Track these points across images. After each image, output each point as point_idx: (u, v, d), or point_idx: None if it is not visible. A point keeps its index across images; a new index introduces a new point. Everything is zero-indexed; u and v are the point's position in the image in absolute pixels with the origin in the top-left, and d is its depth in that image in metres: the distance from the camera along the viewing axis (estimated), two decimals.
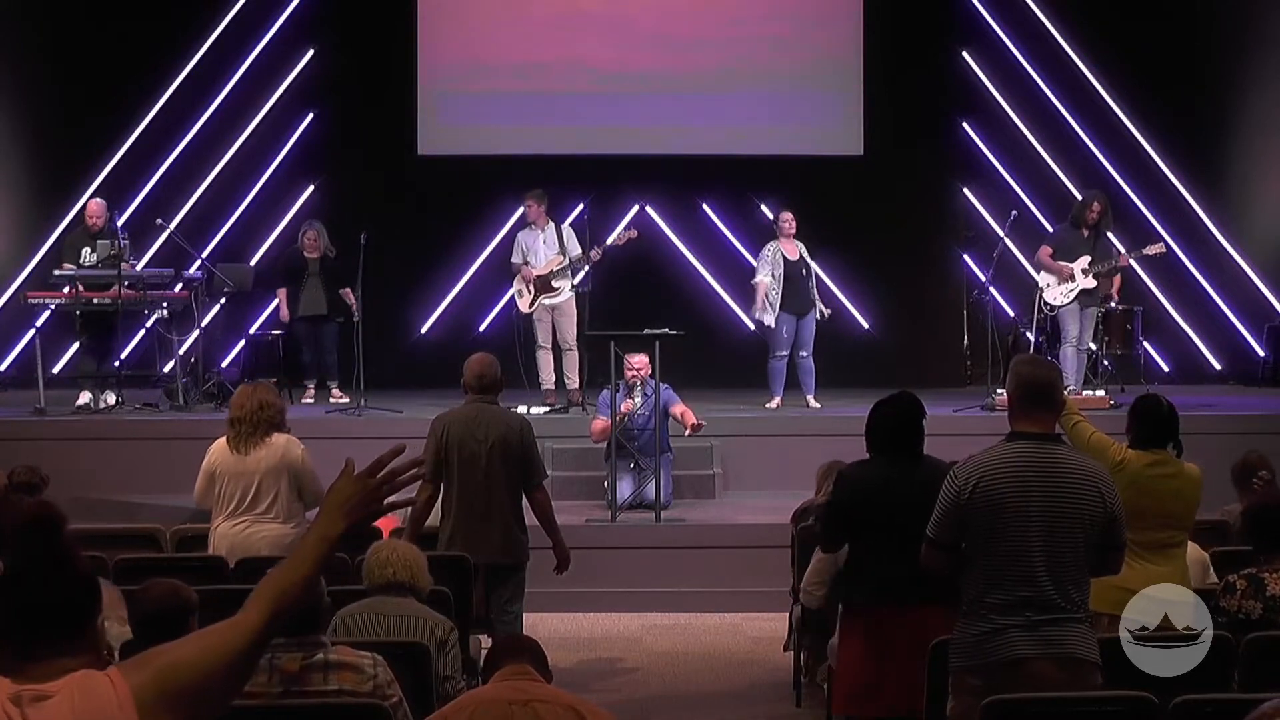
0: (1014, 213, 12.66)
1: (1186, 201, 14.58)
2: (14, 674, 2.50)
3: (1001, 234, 12.69)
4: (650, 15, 14.62)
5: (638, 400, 10.33)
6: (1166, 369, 14.34)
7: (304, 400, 12.63)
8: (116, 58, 14.19)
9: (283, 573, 2.68)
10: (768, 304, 12.07)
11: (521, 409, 10.10)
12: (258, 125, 14.59)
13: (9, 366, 14.20)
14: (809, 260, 12.38)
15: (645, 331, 10.19)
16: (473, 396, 7.24)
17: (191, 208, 14.31)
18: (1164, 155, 14.57)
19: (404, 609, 5.51)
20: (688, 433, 10.33)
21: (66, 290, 11.75)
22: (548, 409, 12.01)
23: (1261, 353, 14.40)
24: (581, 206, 13.15)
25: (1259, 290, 14.54)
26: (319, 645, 4.68)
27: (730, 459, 11.20)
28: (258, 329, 13.92)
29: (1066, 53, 14.63)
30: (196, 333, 12.41)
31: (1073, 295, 11.90)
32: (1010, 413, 4.92)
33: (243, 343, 13.69)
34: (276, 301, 13.04)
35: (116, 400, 12.00)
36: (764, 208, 13.86)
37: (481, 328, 14.32)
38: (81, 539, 6.94)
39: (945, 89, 14.63)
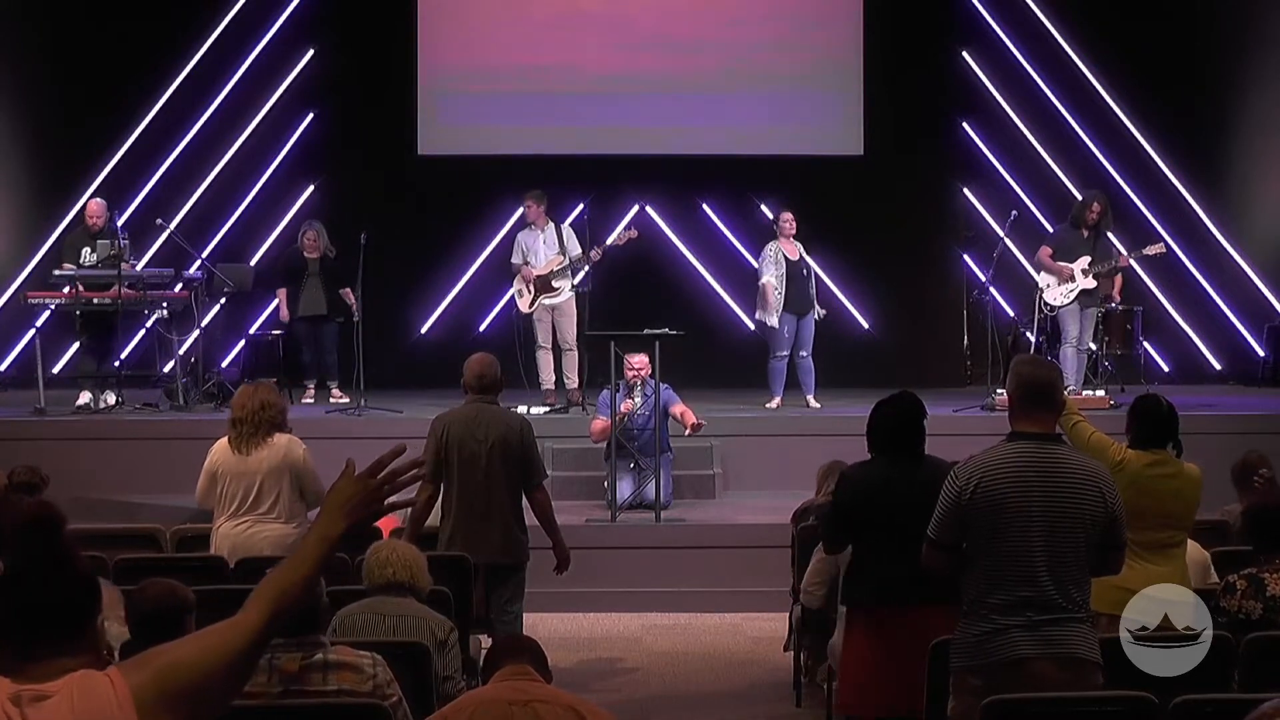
0: (1014, 213, 12.66)
1: (1186, 201, 14.58)
2: (14, 674, 2.50)
3: (1001, 234, 12.69)
4: (650, 15, 14.62)
5: (638, 400, 10.33)
6: (1166, 369, 14.33)
7: (304, 400, 12.63)
8: (116, 58, 14.19)
9: (283, 573, 2.68)
10: (773, 304, 12.08)
11: (521, 409, 10.10)
12: (258, 125, 14.59)
13: (9, 366, 14.19)
14: (809, 260, 12.40)
15: (645, 331, 10.19)
16: (473, 396, 7.23)
17: (191, 208, 14.31)
18: (1164, 155, 14.57)
19: (404, 609, 5.51)
20: (688, 432, 10.33)
21: (66, 290, 11.75)
22: (548, 409, 12.01)
23: (1261, 353, 14.40)
24: (581, 206, 13.15)
25: (1259, 290, 14.54)
26: (318, 645, 4.68)
27: (730, 459, 11.20)
28: (258, 329, 13.92)
29: (1066, 53, 14.62)
30: (196, 333, 12.41)
31: (1073, 295, 11.90)
32: (1010, 413, 4.92)
33: (243, 343, 13.69)
34: (276, 301, 13.04)
35: (116, 400, 12.00)
36: (764, 208, 13.86)
37: (481, 328, 14.32)
38: (81, 539, 6.94)
39: (945, 89, 14.63)
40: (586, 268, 12.27)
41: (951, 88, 14.64)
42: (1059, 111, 14.63)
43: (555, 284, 12.21)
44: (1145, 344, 13.53)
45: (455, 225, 14.40)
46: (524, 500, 7.24)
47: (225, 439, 7.16)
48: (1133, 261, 12.56)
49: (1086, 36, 14.55)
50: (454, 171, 14.44)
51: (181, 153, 14.48)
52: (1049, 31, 14.64)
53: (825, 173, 14.40)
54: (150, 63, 14.31)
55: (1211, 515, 7.24)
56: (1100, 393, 11.93)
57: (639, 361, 10.35)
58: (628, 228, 13.10)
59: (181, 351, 12.40)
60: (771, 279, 12.06)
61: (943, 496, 4.82)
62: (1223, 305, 14.59)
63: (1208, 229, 14.58)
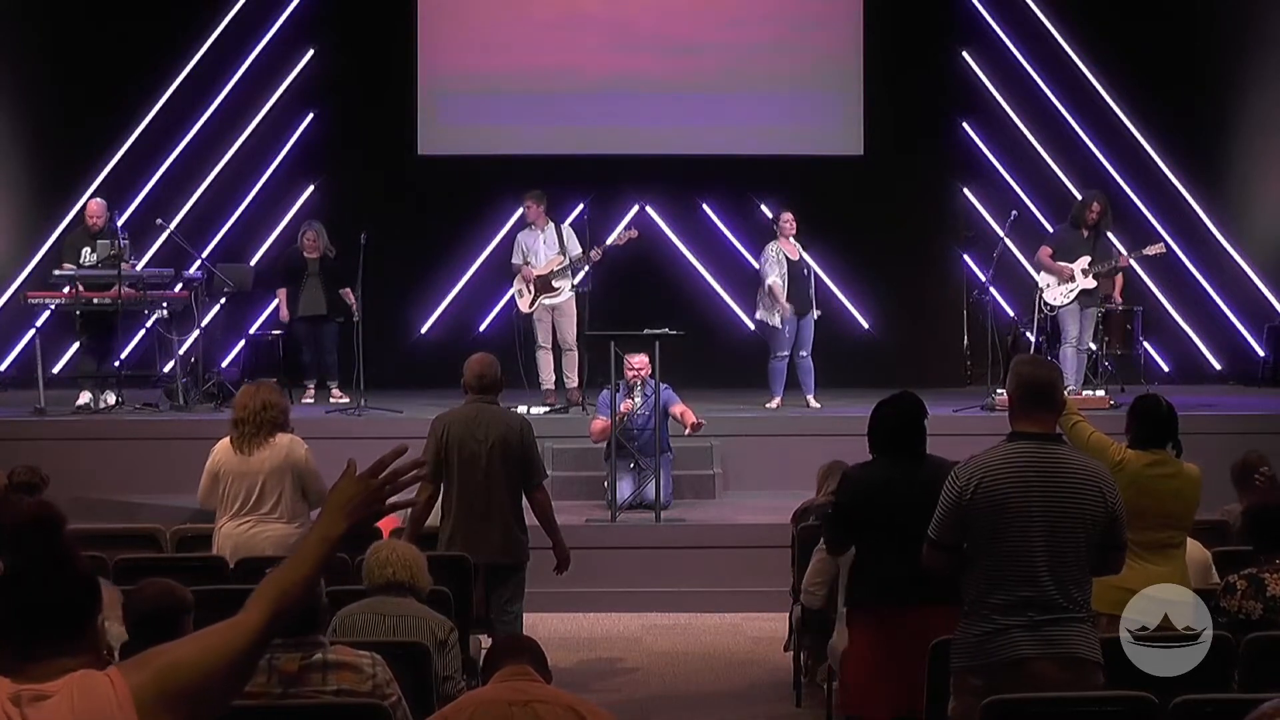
0: (1014, 213, 12.66)
1: (1186, 201, 14.58)
2: (14, 674, 2.50)
3: (1001, 234, 12.69)
4: (650, 15, 14.62)
5: (638, 400, 10.33)
6: (1166, 369, 14.33)
7: (304, 400, 12.63)
8: (116, 58, 14.19)
9: (284, 573, 2.68)
10: (776, 305, 12.07)
11: (521, 409, 10.10)
12: (258, 125, 14.58)
13: (9, 366, 14.19)
14: (809, 260, 12.41)
15: (645, 331, 10.19)
16: (473, 396, 7.23)
17: (191, 208, 14.31)
18: (1164, 155, 14.57)
19: (404, 609, 5.51)
20: (687, 431, 10.32)
21: (66, 290, 11.75)
22: (548, 409, 12.01)
23: (1261, 353, 14.40)
24: (581, 206, 13.15)
25: (1259, 290, 14.54)
26: (318, 645, 4.68)
27: (730, 459, 11.20)
28: (258, 329, 13.92)
29: (1066, 53, 14.62)
30: (196, 333, 12.41)
31: (1073, 295, 11.90)
32: (1011, 413, 4.92)
33: (243, 343, 13.69)
34: (276, 301, 13.04)
35: (116, 400, 12.00)
36: (764, 208, 13.86)
37: (481, 328, 14.32)
38: (81, 539, 6.94)
39: (945, 89, 14.63)
40: (586, 268, 12.27)
41: (951, 88, 14.64)
42: (1059, 111, 14.63)
43: (555, 284, 12.21)
44: (1145, 344, 13.53)
45: (455, 225, 14.40)
46: (524, 500, 7.24)
47: (227, 439, 7.15)
48: (1133, 261, 12.57)
49: (1086, 36, 14.54)
50: (454, 171, 14.44)
51: (181, 153, 14.48)
52: (1049, 31, 14.64)
53: (825, 173, 14.40)
54: (150, 63, 14.31)
55: (1211, 515, 7.24)
56: (1100, 393, 11.93)
57: (639, 361, 10.35)
58: (628, 228, 13.10)
59: (181, 351, 12.40)
60: (776, 279, 12.06)
61: (943, 497, 4.82)
62: (1223, 305, 14.59)
63: (1208, 229, 14.58)
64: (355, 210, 13.67)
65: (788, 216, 12.32)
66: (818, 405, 12.25)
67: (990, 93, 14.66)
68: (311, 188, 14.57)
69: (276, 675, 4.58)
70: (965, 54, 14.70)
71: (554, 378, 12.31)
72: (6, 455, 8.62)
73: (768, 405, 12.24)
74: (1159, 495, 5.76)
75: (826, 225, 13.67)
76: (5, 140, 14.30)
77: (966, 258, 13.55)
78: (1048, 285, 12.01)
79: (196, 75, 14.47)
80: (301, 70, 14.64)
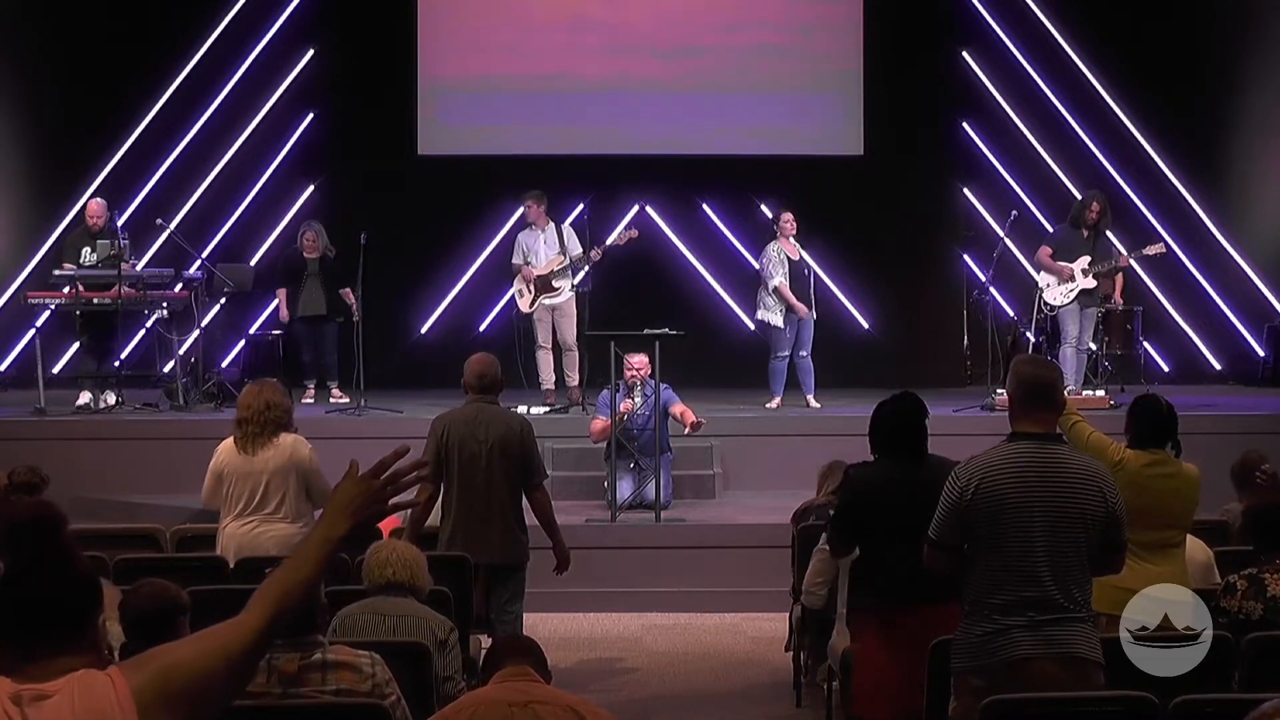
0: (1014, 213, 12.66)
1: (1186, 201, 14.58)
2: (14, 673, 2.49)
3: (1001, 234, 12.70)
4: (650, 15, 14.62)
5: (637, 400, 10.33)
6: (1166, 369, 14.33)
7: (304, 400, 12.62)
8: (116, 58, 14.19)
9: (285, 574, 2.68)
10: (779, 304, 12.07)
11: (521, 409, 10.09)
12: (258, 125, 14.59)
13: (9, 366, 14.19)
14: (809, 260, 12.42)
15: (645, 331, 10.19)
16: (473, 396, 7.23)
17: (191, 208, 14.31)
18: (1164, 155, 14.57)
19: (404, 609, 5.51)
20: (687, 431, 10.32)
21: (66, 290, 11.75)
22: (548, 409, 12.01)
23: (1261, 353, 14.40)
24: (581, 206, 13.15)
25: (1259, 290, 14.54)
26: (317, 645, 4.68)
27: (730, 459, 11.20)
28: (258, 329, 13.91)
29: (1066, 53, 14.62)
30: (196, 333, 12.41)
31: (1072, 295, 11.90)
32: (1011, 413, 4.92)
33: (243, 343, 13.69)
34: (276, 301, 13.04)
35: (116, 400, 12.00)
36: (764, 208, 13.86)
37: (481, 328, 14.32)
38: (81, 539, 6.92)
39: (945, 89, 14.63)
40: (587, 268, 12.28)
41: (951, 88, 14.64)
42: (1059, 111, 14.64)
43: (555, 284, 12.21)
44: (1145, 344, 13.54)
45: (455, 225, 14.40)
46: (524, 500, 7.24)
47: (231, 439, 7.15)
48: (1133, 261, 12.57)
49: (1086, 36, 14.55)
50: (454, 171, 14.44)
51: (181, 153, 14.48)
52: (1049, 31, 14.64)
53: (825, 173, 14.40)
54: (150, 63, 14.31)
55: (1211, 515, 7.24)
56: (1100, 393, 11.93)
57: (639, 361, 10.35)
58: (628, 228, 13.10)
59: (181, 351, 12.41)
60: (782, 280, 12.06)
61: (943, 497, 4.82)
62: (1223, 305, 14.59)
63: (1208, 229, 14.58)
64: (355, 210, 13.67)
65: (788, 216, 12.32)
66: (818, 405, 12.25)
67: (990, 93, 14.67)
68: (311, 188, 14.57)
69: (276, 675, 4.58)
70: (965, 54, 14.70)
71: (554, 378, 12.31)
72: (6, 455, 8.62)
73: (768, 405, 12.24)
74: (1158, 495, 5.76)
75: (826, 225, 13.67)
76: (5, 140, 14.31)
77: (966, 258, 13.55)
78: (1048, 285, 12.01)
79: (196, 75, 14.48)
80: (301, 70, 14.64)
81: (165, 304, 12.19)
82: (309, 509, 7.09)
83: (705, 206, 14.72)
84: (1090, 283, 11.89)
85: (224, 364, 13.19)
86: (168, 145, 14.46)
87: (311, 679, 4.61)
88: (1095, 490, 4.74)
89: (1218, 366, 14.56)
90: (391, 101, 14.51)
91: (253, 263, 14.11)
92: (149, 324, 12.55)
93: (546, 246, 12.26)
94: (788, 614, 7.91)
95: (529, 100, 14.43)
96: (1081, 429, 5.89)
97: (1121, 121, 14.59)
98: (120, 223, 12.07)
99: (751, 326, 13.15)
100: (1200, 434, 8.70)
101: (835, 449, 8.26)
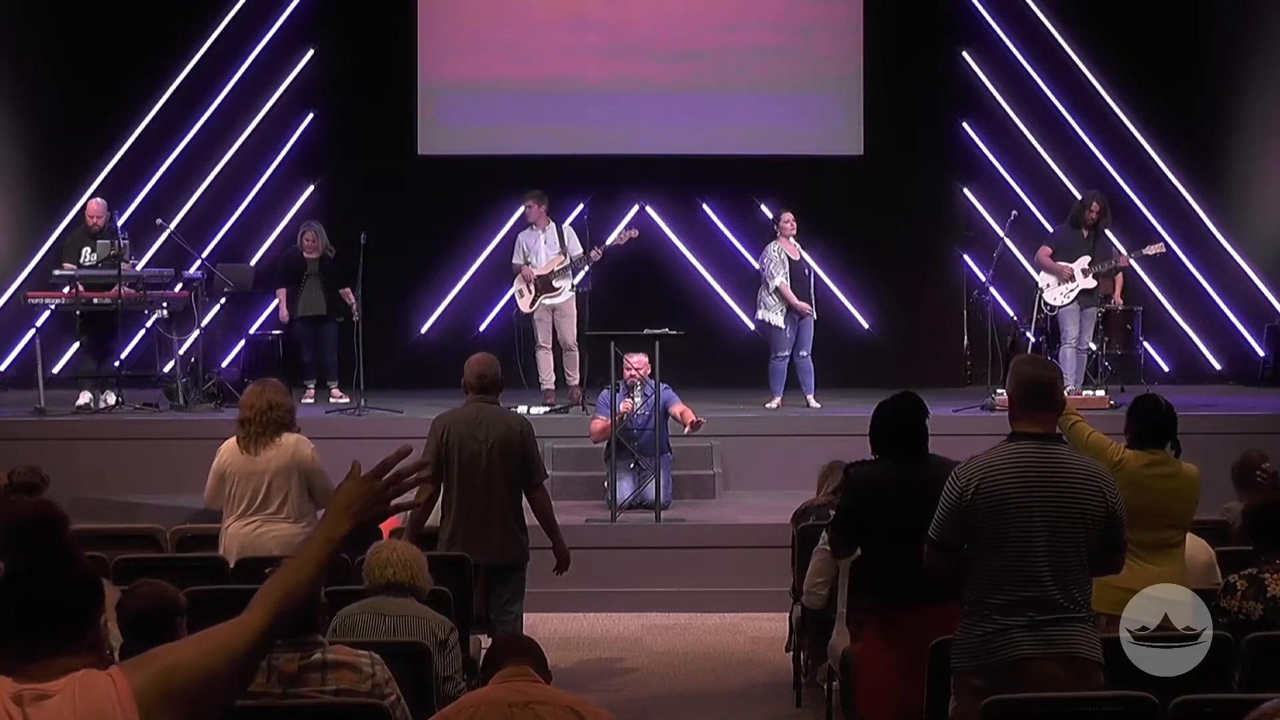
0: (1014, 213, 12.66)
1: (1186, 201, 14.58)
2: (15, 673, 2.50)
3: (1001, 234, 12.70)
4: (650, 15, 14.62)
5: (637, 400, 10.33)
6: (1166, 369, 14.34)
7: (304, 400, 12.60)
8: (116, 58, 14.19)
9: (287, 574, 2.68)
10: (779, 304, 12.07)
11: (521, 409, 10.09)
12: (258, 125, 14.59)
13: (9, 366, 14.20)
14: (809, 260, 12.42)
15: (645, 331, 10.19)
16: (473, 396, 7.23)
17: (191, 208, 14.31)
18: (1164, 155, 14.57)
19: (404, 609, 5.51)
20: (687, 430, 10.31)
21: (66, 290, 11.75)
22: (548, 409, 12.01)
23: (1261, 353, 14.40)
24: (581, 206, 13.16)
25: (1259, 290, 14.54)
26: (316, 645, 4.68)
27: (730, 459, 11.20)
28: (258, 329, 13.92)
29: (1066, 53, 14.63)
30: (196, 333, 12.41)
31: (1072, 295, 11.90)
32: (1011, 413, 4.92)
33: (243, 343, 13.69)
34: (276, 301, 13.04)
35: (116, 400, 12.00)
36: (764, 208, 13.86)
37: (481, 328, 14.32)
38: (82, 539, 6.93)
39: (945, 89, 14.63)
40: (587, 268, 12.28)
41: (951, 88, 14.65)
42: (1059, 111, 14.64)
43: (556, 284, 12.21)
44: (1145, 344, 13.54)
45: (455, 225, 14.40)
46: (524, 500, 7.24)
47: (233, 439, 7.14)
48: (1133, 261, 12.57)
49: (1086, 36, 14.55)
50: (454, 171, 14.44)
51: (181, 153, 14.48)
52: (1049, 31, 14.65)
53: (825, 173, 14.40)
54: (150, 63, 14.31)
55: (1211, 515, 7.24)
56: (1100, 393, 11.93)
57: (639, 361, 10.35)
58: (628, 228, 13.11)
59: (181, 351, 12.41)
60: (784, 280, 12.06)
61: (943, 498, 4.82)
62: (1223, 305, 14.59)
63: (1208, 229, 14.58)
64: (355, 210, 13.67)
65: (788, 216, 12.32)
66: (818, 405, 12.25)
67: (990, 93, 14.67)
68: (311, 188, 14.57)
69: (276, 675, 4.58)
70: (965, 54, 14.70)
71: (554, 378, 12.31)
72: (6, 455, 8.62)
73: (768, 405, 12.25)
74: (1158, 495, 5.76)
75: (826, 225, 13.67)
76: (5, 140, 14.31)
77: (966, 258, 13.56)
78: (1048, 285, 12.01)
79: (196, 75, 14.48)
80: (301, 70, 14.64)
81: (165, 304, 12.19)
82: (311, 509, 7.09)
83: (705, 207, 14.72)
84: (1090, 283, 11.89)
85: (224, 364, 13.19)
86: (168, 145, 14.46)
87: (311, 679, 4.61)
88: (1095, 490, 4.74)
89: (1218, 366, 14.56)
90: (391, 101, 14.51)
91: (253, 263, 14.11)
92: (149, 324, 12.55)
93: (547, 246, 12.26)
94: (788, 614, 7.91)
95: (529, 100, 14.43)
96: (1081, 429, 5.89)
97: (1121, 121, 14.60)
98: (120, 223, 12.07)
99: (751, 326, 13.15)
100: (1200, 434, 8.70)
101: (835, 449, 8.26)
